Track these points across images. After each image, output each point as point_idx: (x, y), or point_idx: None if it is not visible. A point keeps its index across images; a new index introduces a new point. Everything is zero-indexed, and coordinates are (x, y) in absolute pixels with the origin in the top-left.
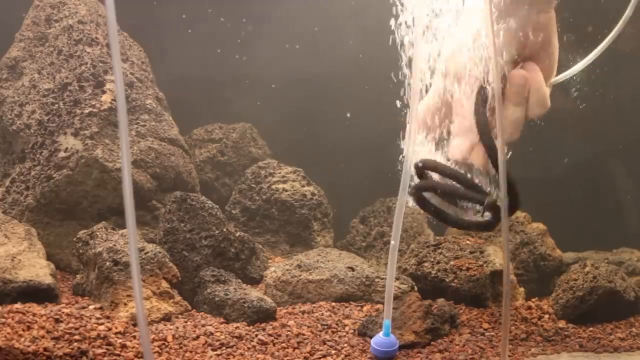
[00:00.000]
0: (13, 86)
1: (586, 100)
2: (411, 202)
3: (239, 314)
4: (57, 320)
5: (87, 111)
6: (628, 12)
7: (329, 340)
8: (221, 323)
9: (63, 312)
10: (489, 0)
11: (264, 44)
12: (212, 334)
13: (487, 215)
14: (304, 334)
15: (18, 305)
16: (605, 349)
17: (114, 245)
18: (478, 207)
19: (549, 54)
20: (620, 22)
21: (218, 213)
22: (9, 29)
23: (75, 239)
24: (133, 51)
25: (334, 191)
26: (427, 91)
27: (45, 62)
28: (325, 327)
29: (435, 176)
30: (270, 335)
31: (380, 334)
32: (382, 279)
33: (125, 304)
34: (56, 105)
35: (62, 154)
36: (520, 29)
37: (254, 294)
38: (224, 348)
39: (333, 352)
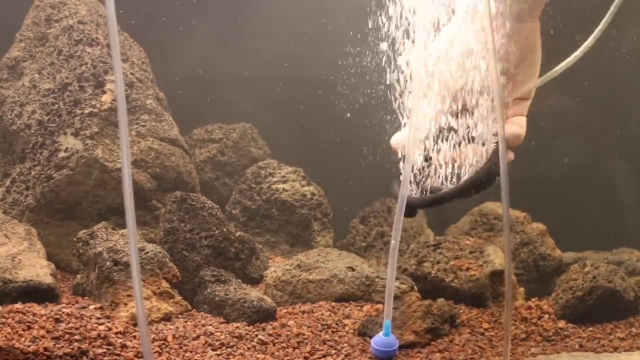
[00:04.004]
0: (13, 86)
1: (587, 101)
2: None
3: (239, 314)
4: (57, 320)
5: (87, 111)
6: (606, 18)
7: (329, 340)
8: (221, 323)
9: (63, 312)
10: (488, 8)
11: (264, 44)
12: (212, 333)
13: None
14: (304, 334)
15: (18, 305)
16: (605, 349)
17: (114, 245)
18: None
19: (532, 64)
20: (597, 31)
21: (218, 213)
22: (9, 29)
23: (75, 239)
24: (133, 51)
25: (334, 191)
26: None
27: (45, 62)
28: (325, 327)
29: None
30: (270, 335)
31: (380, 333)
32: (382, 279)
33: (125, 304)
34: (56, 105)
35: (62, 154)
36: (506, 39)
37: (254, 294)
38: (224, 348)
39: (333, 352)
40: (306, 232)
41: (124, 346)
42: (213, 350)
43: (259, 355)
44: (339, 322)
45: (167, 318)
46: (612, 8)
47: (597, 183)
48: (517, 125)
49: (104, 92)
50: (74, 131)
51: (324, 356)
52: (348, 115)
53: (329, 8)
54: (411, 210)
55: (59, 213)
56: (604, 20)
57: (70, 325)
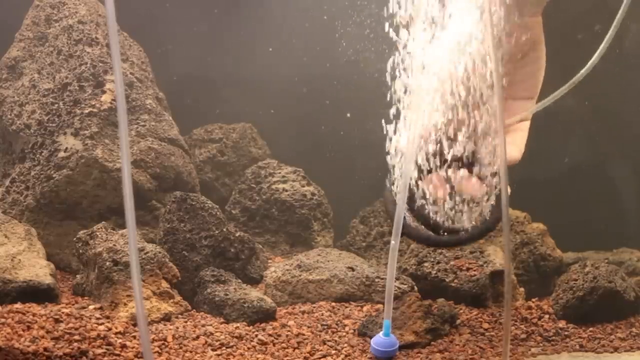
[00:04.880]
0: (13, 86)
1: (587, 101)
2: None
3: (239, 314)
4: (57, 320)
5: (87, 111)
6: (610, 32)
7: (329, 340)
8: (221, 323)
9: (63, 312)
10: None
11: (264, 44)
12: (212, 334)
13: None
14: (304, 334)
15: (18, 305)
16: (605, 349)
17: (114, 245)
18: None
19: (536, 58)
20: (604, 42)
21: (218, 213)
22: (9, 29)
23: (75, 239)
24: (133, 51)
25: (334, 191)
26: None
27: (45, 62)
28: (325, 327)
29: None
30: (270, 335)
31: (380, 334)
32: (382, 279)
33: (125, 304)
34: (56, 105)
35: (62, 154)
36: (508, 32)
37: (254, 294)
38: (224, 348)
39: (333, 352)
40: (306, 232)
41: (123, 346)
42: (213, 350)
43: (259, 356)
44: (339, 322)
45: (167, 318)
46: (618, 16)
47: (597, 183)
48: (516, 146)
49: (103, 92)
50: (74, 131)
51: (324, 356)
52: (348, 115)
53: (329, 7)
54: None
55: (58, 213)
56: (612, 28)
57: (70, 325)
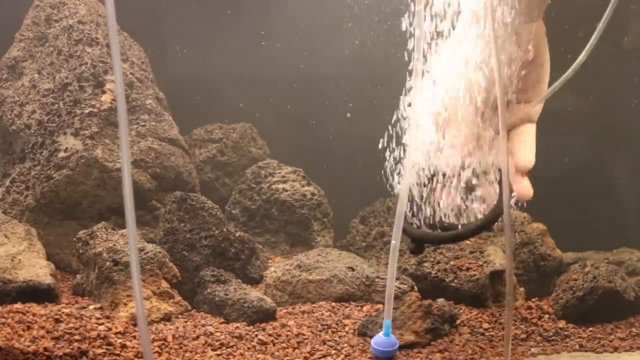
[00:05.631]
0: (13, 86)
1: (587, 100)
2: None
3: (239, 314)
4: (57, 320)
5: (87, 111)
6: (601, 25)
7: (329, 340)
8: (221, 323)
9: (63, 312)
10: (492, 12)
11: (264, 43)
12: (212, 334)
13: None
14: (304, 334)
15: (18, 305)
16: (605, 349)
17: (114, 245)
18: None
19: (541, 63)
20: (595, 35)
21: (218, 213)
22: (9, 29)
23: (75, 239)
24: (133, 51)
25: (334, 191)
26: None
27: (45, 62)
28: (325, 327)
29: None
30: (270, 335)
31: (380, 333)
32: (382, 279)
33: (125, 304)
34: (56, 105)
35: (62, 154)
36: (509, 39)
37: (254, 294)
38: (224, 348)
39: (333, 352)
40: (306, 232)
41: (123, 346)
42: (213, 350)
43: (259, 355)
44: (339, 322)
45: (167, 318)
46: (608, 10)
47: (598, 183)
48: (528, 149)
49: (103, 92)
50: (74, 131)
51: (324, 356)
52: (348, 115)
53: (329, 7)
54: (421, 245)
55: (58, 213)
56: (602, 20)
57: (70, 325)
